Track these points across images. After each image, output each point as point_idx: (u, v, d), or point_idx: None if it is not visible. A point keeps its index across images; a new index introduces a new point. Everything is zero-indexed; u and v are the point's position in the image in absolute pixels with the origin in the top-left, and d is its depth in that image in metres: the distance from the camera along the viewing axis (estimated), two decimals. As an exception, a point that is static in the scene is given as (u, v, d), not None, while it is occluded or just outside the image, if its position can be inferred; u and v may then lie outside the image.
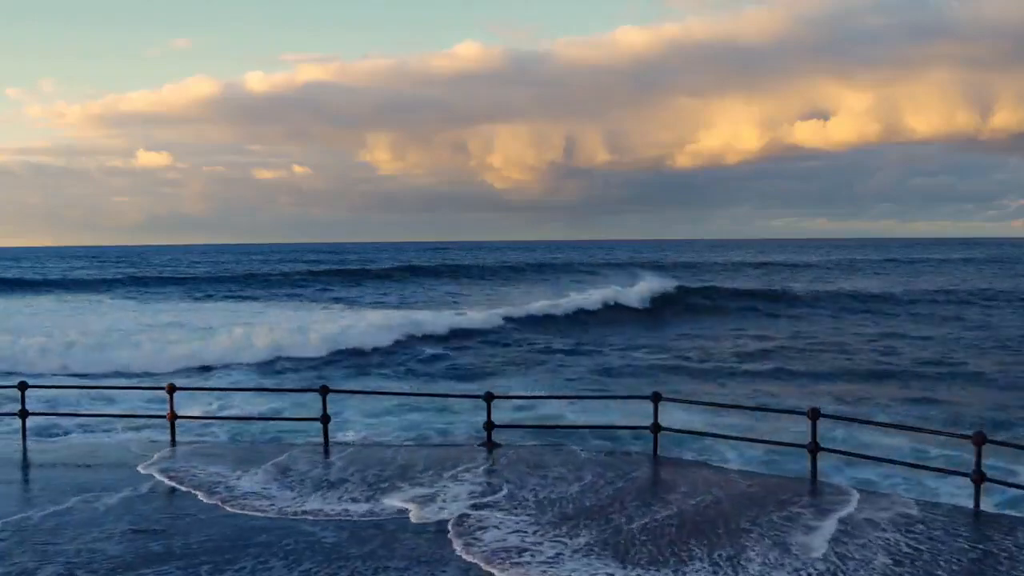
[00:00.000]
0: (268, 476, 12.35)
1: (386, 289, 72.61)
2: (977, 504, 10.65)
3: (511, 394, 23.90)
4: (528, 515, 10.40)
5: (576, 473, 12.28)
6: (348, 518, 10.41)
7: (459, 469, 12.53)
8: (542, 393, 25.74)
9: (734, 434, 16.01)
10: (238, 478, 12.24)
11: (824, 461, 12.74)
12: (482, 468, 12.65)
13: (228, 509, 10.80)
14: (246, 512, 10.67)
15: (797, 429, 14.16)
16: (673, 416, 15.48)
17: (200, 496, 11.38)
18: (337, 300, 61.78)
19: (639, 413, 15.09)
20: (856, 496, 11.35)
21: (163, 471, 12.63)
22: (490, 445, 13.83)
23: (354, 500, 11.17)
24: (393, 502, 11.04)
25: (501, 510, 10.62)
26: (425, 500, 11.10)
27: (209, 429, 18.84)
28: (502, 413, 18.98)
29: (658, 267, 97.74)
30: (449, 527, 9.97)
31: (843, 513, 10.56)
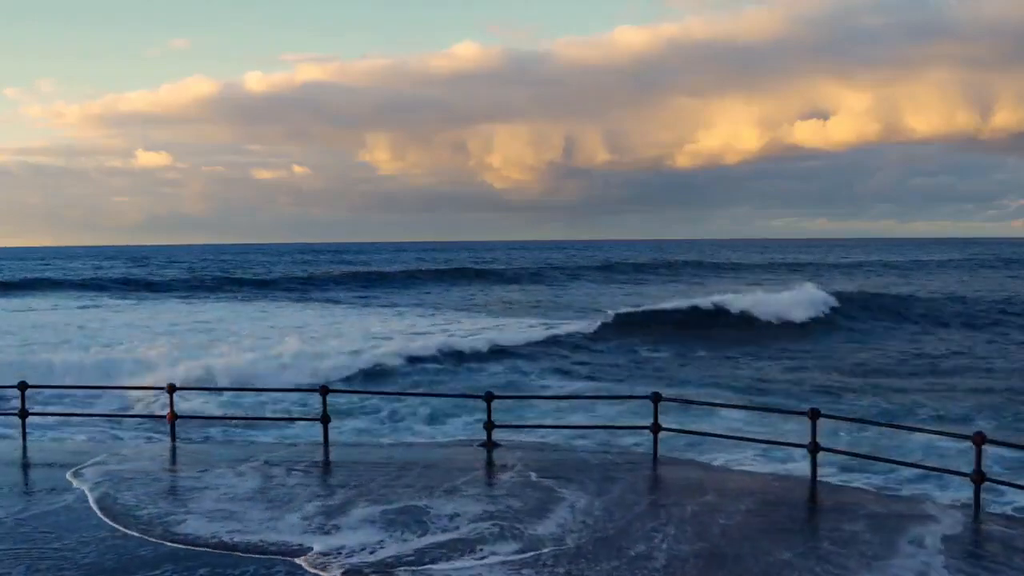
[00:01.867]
0: (235, 483, 11.67)
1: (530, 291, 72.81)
2: (977, 504, 10.64)
3: (512, 394, 23.92)
4: (515, 548, 9.04)
5: (577, 478, 11.79)
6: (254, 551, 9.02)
7: (457, 481, 11.68)
8: (572, 394, 25.83)
9: (738, 435, 16.06)
10: (197, 486, 11.56)
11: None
12: (479, 476, 12.20)
13: (130, 532, 9.65)
14: (157, 539, 9.47)
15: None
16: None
17: (97, 509, 10.53)
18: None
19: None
20: (922, 506, 10.76)
21: (107, 475, 12.14)
22: (490, 445, 13.83)
23: (303, 531, 9.69)
24: (360, 531, 9.66)
25: (488, 541, 9.29)
26: (402, 525, 9.82)
27: (215, 429, 18.86)
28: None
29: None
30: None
31: (917, 531, 9.43)
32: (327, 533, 9.63)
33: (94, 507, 10.66)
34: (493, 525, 9.83)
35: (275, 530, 9.76)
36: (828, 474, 13.61)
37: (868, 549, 8.90)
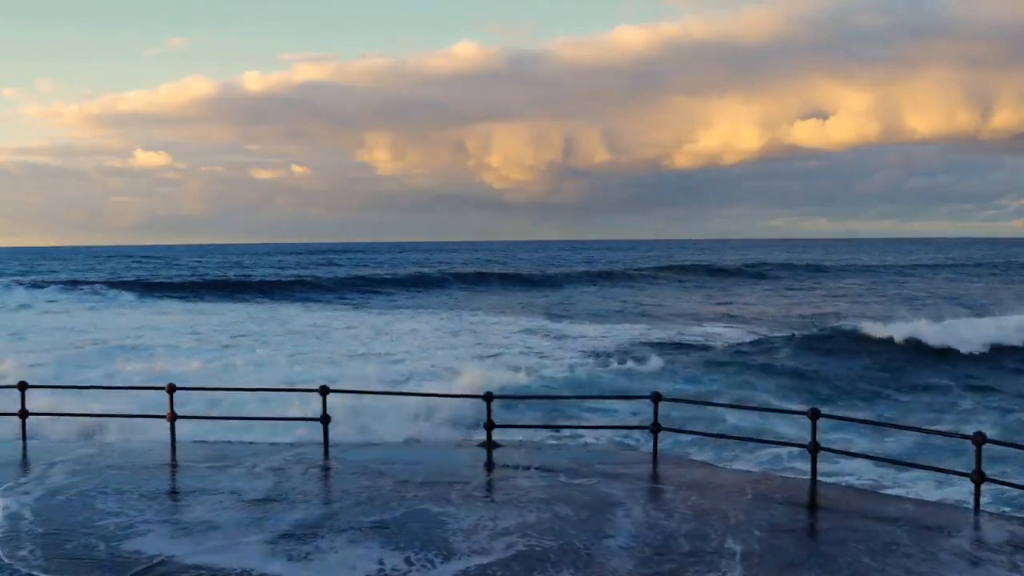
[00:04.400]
0: (222, 486, 11.20)
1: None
2: (977, 504, 10.63)
3: (511, 395, 23.91)
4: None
5: (579, 483, 11.42)
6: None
7: (460, 489, 10.99)
8: (564, 394, 25.82)
9: (739, 435, 16.07)
10: (181, 491, 11.16)
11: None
12: (480, 484, 11.80)
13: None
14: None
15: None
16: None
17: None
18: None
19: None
20: (924, 508, 10.60)
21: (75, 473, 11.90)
22: (490, 445, 13.84)
23: (281, 553, 8.28)
24: (359, 552, 8.33)
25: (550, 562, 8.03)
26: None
27: (217, 428, 18.78)
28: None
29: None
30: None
31: (935, 535, 9.29)
32: (307, 558, 8.28)
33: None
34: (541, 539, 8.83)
35: (244, 552, 8.58)
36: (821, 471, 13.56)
37: (908, 560, 8.66)
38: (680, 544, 8.88)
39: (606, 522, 9.63)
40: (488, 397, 13.90)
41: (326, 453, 13.77)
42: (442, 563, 8.10)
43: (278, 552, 8.62)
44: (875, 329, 35.84)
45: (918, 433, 17.45)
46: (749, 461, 16.41)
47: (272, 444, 15.36)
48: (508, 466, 12.67)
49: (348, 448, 14.45)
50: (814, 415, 11.88)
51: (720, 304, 60.01)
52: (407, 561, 8.14)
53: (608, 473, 12.08)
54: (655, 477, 12.29)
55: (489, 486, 11.72)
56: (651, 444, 13.35)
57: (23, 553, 8.74)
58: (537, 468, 12.42)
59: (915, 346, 33.60)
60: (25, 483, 11.84)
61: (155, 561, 8.37)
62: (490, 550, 8.48)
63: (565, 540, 8.90)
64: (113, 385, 24.13)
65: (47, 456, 13.68)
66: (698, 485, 11.61)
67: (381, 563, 8.11)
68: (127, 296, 63.56)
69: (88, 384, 24.35)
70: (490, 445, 13.81)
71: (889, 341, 34.18)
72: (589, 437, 18.68)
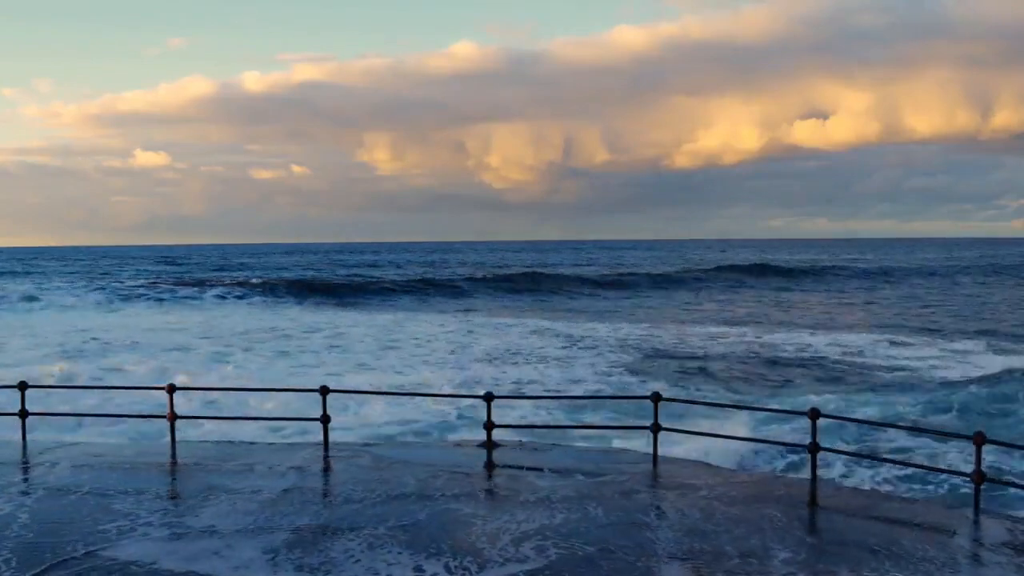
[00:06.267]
0: (219, 488, 10.99)
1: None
2: (977, 504, 10.63)
3: (510, 395, 23.97)
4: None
5: (597, 483, 11.33)
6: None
7: (480, 490, 10.91)
8: (554, 394, 25.82)
9: (736, 434, 16.05)
10: (176, 494, 11.03)
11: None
12: (495, 485, 11.74)
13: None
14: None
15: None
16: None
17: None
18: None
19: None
20: (926, 508, 10.53)
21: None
22: (490, 445, 13.85)
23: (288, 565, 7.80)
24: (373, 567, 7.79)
25: None
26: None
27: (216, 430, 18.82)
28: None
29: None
30: None
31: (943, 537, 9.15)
32: (321, 568, 7.86)
33: None
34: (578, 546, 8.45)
35: (243, 556, 8.22)
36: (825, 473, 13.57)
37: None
38: (728, 551, 8.69)
39: (641, 524, 9.54)
40: (488, 397, 13.90)
41: (326, 453, 13.77)
42: (479, 571, 7.87)
43: (281, 561, 8.44)
44: None
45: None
46: (747, 460, 16.41)
47: (271, 444, 15.38)
48: (513, 466, 12.65)
49: (349, 448, 14.46)
50: (814, 415, 11.87)
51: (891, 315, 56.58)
52: (447, 568, 7.88)
53: (620, 472, 12.07)
54: (663, 477, 12.27)
55: (504, 487, 11.63)
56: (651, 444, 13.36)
57: None
58: (550, 469, 12.35)
59: None
60: (23, 484, 11.84)
61: (149, 570, 8.10)
62: (527, 556, 8.22)
63: (602, 545, 8.76)
64: (117, 386, 24.15)
65: (46, 457, 13.68)
66: (711, 485, 11.58)
67: (420, 570, 7.90)
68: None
69: (93, 384, 24.37)
70: (490, 445, 13.81)
71: None
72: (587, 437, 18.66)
